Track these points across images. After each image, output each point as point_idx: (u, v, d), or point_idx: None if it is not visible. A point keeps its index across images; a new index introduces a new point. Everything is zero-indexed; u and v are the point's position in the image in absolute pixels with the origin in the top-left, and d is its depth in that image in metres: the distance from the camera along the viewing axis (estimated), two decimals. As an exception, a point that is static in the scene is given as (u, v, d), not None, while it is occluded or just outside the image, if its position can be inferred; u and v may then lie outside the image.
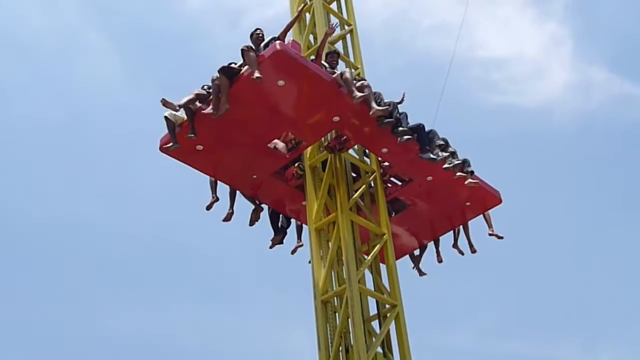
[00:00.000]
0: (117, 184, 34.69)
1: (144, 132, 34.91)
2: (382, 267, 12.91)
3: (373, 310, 12.24)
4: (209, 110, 11.77)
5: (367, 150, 13.77)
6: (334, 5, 16.09)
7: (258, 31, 12.25)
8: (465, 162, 13.31)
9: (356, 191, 13.05)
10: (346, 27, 15.76)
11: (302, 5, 15.28)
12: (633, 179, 34.47)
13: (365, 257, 12.63)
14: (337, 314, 11.77)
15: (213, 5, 39.12)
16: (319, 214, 12.74)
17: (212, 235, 34.21)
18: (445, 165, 12.83)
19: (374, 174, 13.51)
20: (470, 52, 33.53)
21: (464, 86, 33.76)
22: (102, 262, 33.10)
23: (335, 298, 11.96)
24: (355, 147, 13.64)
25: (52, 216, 33.78)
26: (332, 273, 12.33)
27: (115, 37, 37.53)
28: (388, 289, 12.48)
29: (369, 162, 13.76)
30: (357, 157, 13.71)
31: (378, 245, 12.63)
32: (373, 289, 12.37)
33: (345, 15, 16.04)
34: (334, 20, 15.69)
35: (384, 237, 12.77)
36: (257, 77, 11.04)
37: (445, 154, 12.98)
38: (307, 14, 15.66)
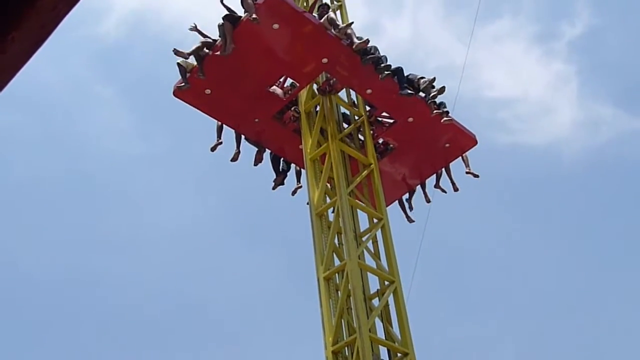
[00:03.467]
0: (128, 235, 34.65)
1: (154, 184, 35.56)
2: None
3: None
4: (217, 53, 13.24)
5: (355, 100, 15.20)
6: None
7: None
8: (442, 104, 14.71)
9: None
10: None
11: None
12: None
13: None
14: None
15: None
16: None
17: (218, 286, 34.70)
18: (421, 94, 14.28)
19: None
20: (477, 93, 33.11)
21: (471, 126, 33.19)
22: (113, 318, 33.12)
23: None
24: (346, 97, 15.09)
25: (68, 268, 33.82)
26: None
27: (125, 89, 37.40)
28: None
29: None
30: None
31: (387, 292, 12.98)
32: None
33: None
34: None
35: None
36: (254, 17, 12.59)
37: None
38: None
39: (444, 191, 16.26)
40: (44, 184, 34.74)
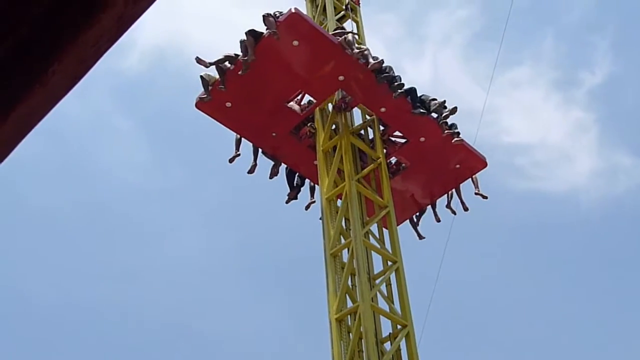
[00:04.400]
0: (138, 267, 34.61)
1: (170, 216, 35.60)
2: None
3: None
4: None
5: (372, 138, 15.28)
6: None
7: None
8: (453, 125, 14.95)
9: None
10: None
11: None
12: None
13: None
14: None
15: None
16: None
17: (226, 322, 34.65)
18: (434, 115, 14.52)
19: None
20: (496, 138, 32.62)
21: (490, 171, 32.67)
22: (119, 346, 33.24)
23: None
24: (362, 132, 15.23)
25: (79, 298, 33.89)
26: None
27: (144, 123, 37.55)
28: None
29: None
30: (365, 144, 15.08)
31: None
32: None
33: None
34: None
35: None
36: (274, 32, 13.01)
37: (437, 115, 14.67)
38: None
39: (454, 212, 16.37)
40: (59, 214, 35.16)
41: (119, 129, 36.28)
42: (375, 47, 14.27)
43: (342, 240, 13.36)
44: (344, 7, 17.23)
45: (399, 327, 12.67)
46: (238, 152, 15.07)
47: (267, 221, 33.25)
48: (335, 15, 16.79)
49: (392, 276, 13.31)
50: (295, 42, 13.27)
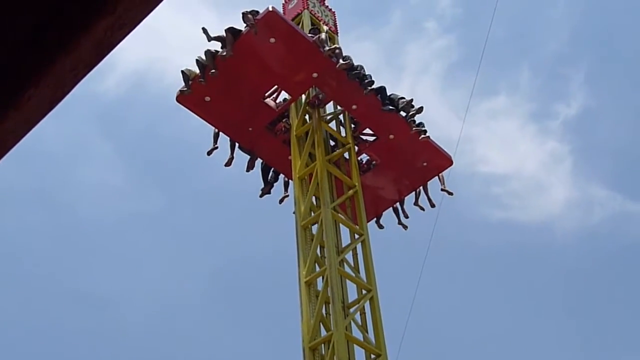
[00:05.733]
0: (109, 293, 33.63)
1: (146, 241, 34.80)
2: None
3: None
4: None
5: (342, 127, 15.54)
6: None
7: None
8: (421, 124, 15.24)
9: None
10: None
11: None
12: (635, 296, 32.44)
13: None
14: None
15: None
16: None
17: (201, 350, 33.80)
18: (402, 113, 14.77)
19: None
20: (471, 167, 32.38)
21: (466, 201, 32.28)
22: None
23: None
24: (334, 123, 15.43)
25: (46, 324, 33.00)
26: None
27: (123, 145, 36.68)
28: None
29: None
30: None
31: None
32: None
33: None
34: None
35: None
36: (252, 24, 13.26)
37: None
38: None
39: (422, 209, 16.54)
40: (32, 237, 34.25)
41: (97, 152, 35.76)
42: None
43: (317, 268, 13.16)
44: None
45: (373, 356, 12.52)
46: (216, 146, 15.23)
47: (242, 247, 33.38)
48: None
49: (367, 305, 13.13)
50: (272, 40, 13.52)
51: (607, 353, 32.40)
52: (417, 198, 16.55)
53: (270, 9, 13.41)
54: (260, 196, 15.91)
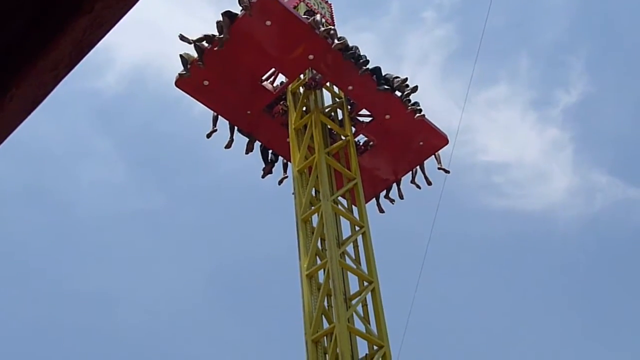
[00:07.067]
0: (108, 292, 33.28)
1: (146, 239, 34.59)
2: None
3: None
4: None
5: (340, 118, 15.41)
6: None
7: None
8: (416, 103, 15.23)
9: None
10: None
11: None
12: (636, 283, 32.84)
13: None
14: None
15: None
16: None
17: (203, 347, 33.47)
18: (397, 93, 14.82)
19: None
20: (472, 157, 31.93)
21: (467, 190, 32.19)
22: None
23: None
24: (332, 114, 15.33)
25: (44, 323, 32.55)
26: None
27: (122, 142, 36.19)
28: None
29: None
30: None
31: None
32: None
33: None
34: None
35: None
36: (246, 5, 13.24)
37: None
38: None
39: (418, 187, 16.62)
40: (30, 235, 33.95)
41: (96, 149, 35.48)
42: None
43: (318, 261, 13.04)
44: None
45: (375, 347, 12.41)
46: (215, 128, 15.30)
47: (243, 243, 33.25)
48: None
49: (369, 296, 13.03)
50: (268, 22, 13.56)
51: (611, 341, 32.31)
52: (413, 177, 16.60)
53: (266, -9, 13.44)
54: (262, 177, 15.98)
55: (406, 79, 15.05)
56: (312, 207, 13.57)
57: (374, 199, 16.61)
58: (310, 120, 14.58)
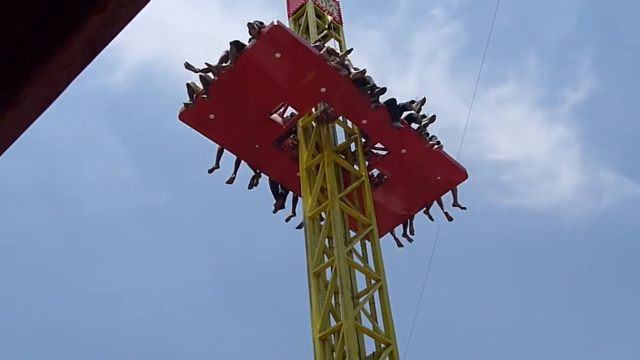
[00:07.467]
0: (115, 289, 33.30)
1: (152, 236, 34.52)
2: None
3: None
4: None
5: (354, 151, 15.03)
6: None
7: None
8: (434, 137, 14.83)
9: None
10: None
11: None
12: None
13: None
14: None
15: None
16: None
17: (209, 346, 33.55)
18: (414, 125, 14.46)
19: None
20: (480, 155, 32.01)
21: (475, 188, 31.90)
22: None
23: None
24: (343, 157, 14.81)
25: (52, 321, 32.74)
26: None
27: (130, 139, 36.57)
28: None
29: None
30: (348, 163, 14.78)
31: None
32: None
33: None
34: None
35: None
36: (256, 36, 12.93)
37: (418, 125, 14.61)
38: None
39: (431, 219, 16.11)
40: (37, 232, 34.11)
41: (104, 146, 35.70)
42: (360, 64, 14.12)
43: (325, 259, 13.05)
44: (326, 26, 16.92)
45: (382, 345, 12.40)
46: (217, 165, 14.85)
47: (249, 242, 33.05)
48: (318, 34, 16.47)
49: (376, 294, 13.02)
50: (278, 55, 13.12)
51: (616, 339, 32.18)
52: (428, 208, 16.07)
53: (276, 22, 13.04)
54: (274, 212, 15.45)
55: (424, 99, 14.70)
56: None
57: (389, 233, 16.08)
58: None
